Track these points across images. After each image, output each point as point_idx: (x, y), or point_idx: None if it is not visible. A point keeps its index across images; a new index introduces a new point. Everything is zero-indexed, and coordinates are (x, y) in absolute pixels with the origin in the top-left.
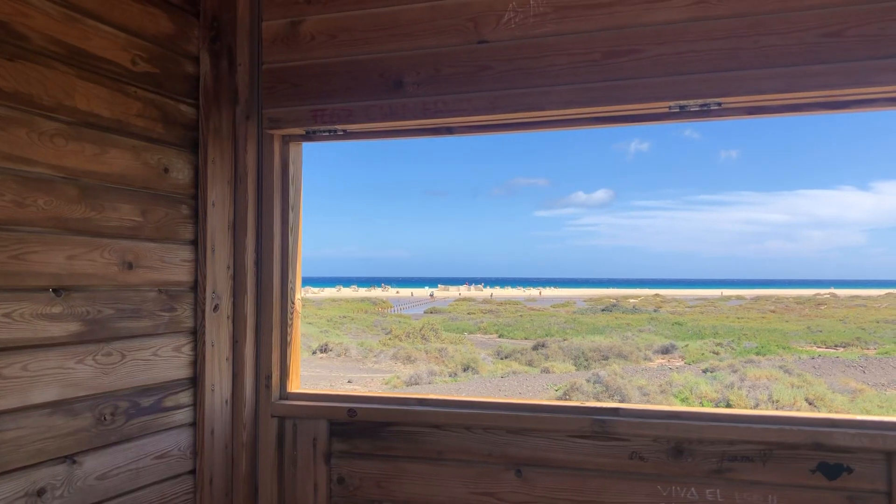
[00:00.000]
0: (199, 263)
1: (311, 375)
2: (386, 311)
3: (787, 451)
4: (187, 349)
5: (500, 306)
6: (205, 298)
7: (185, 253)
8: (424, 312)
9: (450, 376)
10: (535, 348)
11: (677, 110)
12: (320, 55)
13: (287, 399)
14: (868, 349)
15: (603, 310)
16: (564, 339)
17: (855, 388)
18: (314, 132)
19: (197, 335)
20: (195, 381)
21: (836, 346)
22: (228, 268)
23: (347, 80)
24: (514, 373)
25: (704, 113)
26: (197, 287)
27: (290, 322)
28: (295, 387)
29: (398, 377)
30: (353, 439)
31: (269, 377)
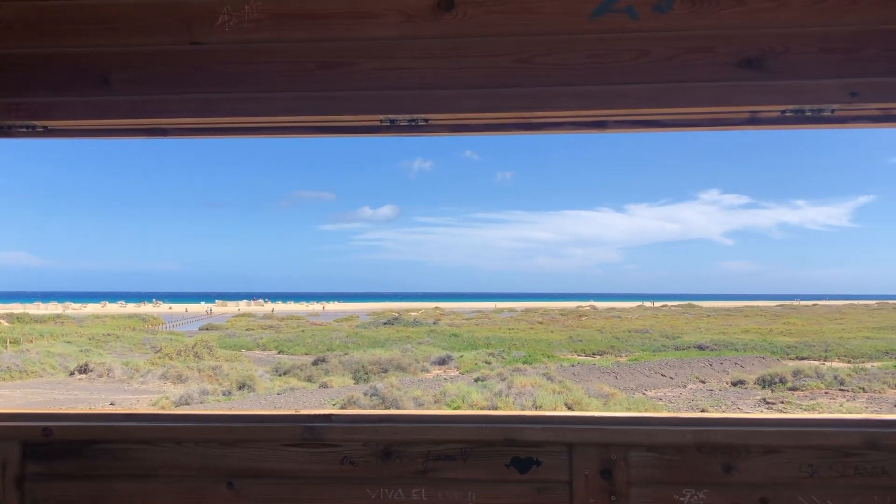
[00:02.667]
0: None
1: (67, 399)
2: (156, 328)
3: (485, 448)
4: None
5: (281, 322)
6: None
7: None
8: (199, 329)
9: (223, 395)
10: (315, 363)
11: (388, 124)
12: (17, 45)
13: None
14: (620, 356)
15: (385, 323)
16: (345, 353)
17: (608, 392)
18: (9, 128)
19: None
20: None
21: (593, 354)
22: None
23: (49, 74)
24: (291, 389)
25: (413, 128)
26: None
27: None
28: None
29: (167, 397)
30: (51, 460)
31: None
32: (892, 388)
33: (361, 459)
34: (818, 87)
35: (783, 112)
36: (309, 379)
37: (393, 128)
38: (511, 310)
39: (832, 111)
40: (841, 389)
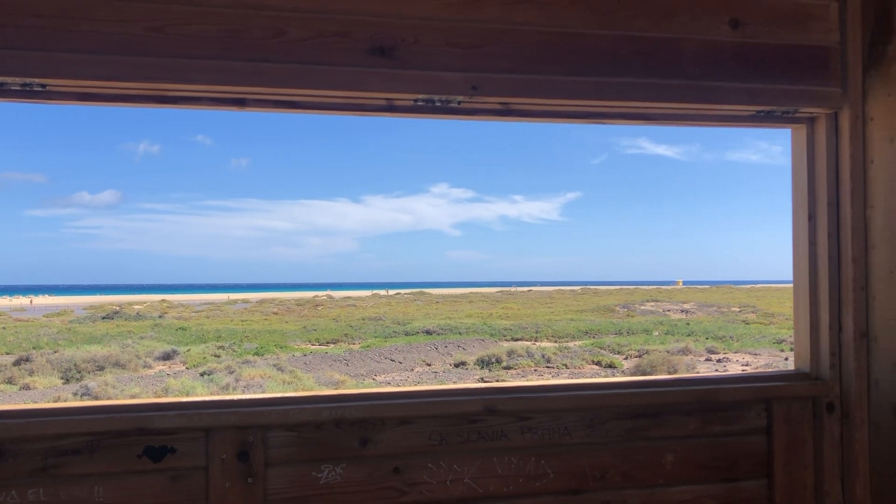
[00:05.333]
0: None
1: None
2: None
3: (115, 439)
4: None
5: None
6: None
7: None
8: None
9: None
10: (17, 363)
11: None
12: None
13: None
14: (353, 344)
15: (104, 318)
16: (55, 351)
17: (338, 379)
18: None
19: None
20: None
21: (327, 342)
22: None
23: None
24: None
25: (27, 94)
26: None
27: None
28: None
29: None
30: None
31: None
32: (589, 364)
33: None
34: (445, 80)
35: (415, 101)
36: (9, 381)
37: (6, 92)
38: (245, 301)
39: (459, 103)
40: (548, 366)
